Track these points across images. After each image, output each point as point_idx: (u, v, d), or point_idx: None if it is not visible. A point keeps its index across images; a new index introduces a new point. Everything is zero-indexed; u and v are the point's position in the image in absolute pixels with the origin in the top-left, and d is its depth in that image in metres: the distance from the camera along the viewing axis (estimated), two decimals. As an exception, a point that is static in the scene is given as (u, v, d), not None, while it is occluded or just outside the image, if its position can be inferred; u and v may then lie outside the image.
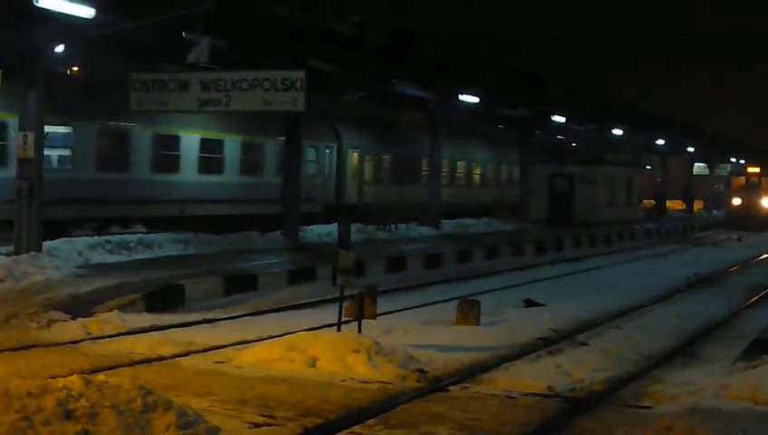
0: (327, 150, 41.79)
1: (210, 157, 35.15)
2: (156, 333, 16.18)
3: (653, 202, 74.31)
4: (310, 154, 39.99)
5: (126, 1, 22.09)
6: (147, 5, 22.16)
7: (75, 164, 29.73)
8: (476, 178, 56.40)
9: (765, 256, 41.32)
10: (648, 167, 79.03)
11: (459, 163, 53.33)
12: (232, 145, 36.16)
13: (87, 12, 20.95)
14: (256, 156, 37.68)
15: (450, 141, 45.63)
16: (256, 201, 36.67)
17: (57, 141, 28.47)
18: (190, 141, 34.25)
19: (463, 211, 47.58)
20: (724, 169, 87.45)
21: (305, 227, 33.20)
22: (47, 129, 23.39)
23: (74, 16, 20.95)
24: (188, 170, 34.16)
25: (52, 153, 28.25)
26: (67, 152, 29.59)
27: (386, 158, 46.47)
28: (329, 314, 17.44)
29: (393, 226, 38.51)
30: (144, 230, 29.97)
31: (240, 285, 21.93)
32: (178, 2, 22.28)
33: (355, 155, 43.70)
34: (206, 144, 34.91)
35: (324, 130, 41.27)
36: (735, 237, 53.85)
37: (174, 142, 33.65)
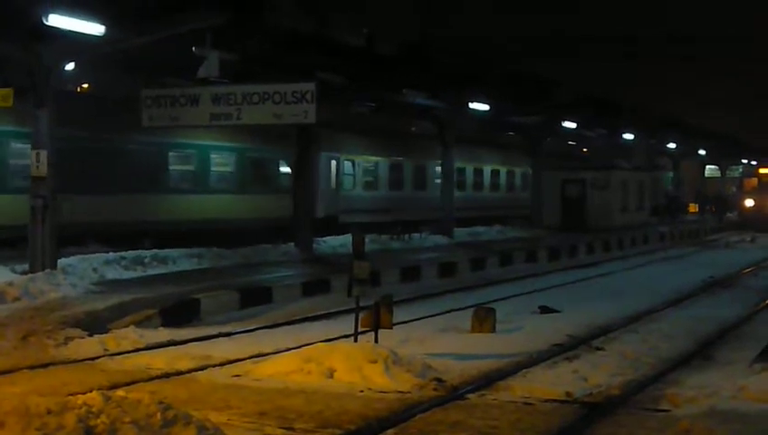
0: (527, 173, 55.56)
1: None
2: (173, 347, 16.23)
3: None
4: (518, 176, 58.25)
5: (135, 17, 22.13)
6: (156, 21, 22.22)
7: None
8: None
9: (779, 256, 41.22)
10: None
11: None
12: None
13: (97, 29, 21.03)
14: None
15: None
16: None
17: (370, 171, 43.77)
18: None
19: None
20: (736, 171, 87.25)
21: (318, 239, 33.26)
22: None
23: (84, 34, 21.04)
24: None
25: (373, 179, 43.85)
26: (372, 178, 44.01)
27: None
28: (344, 325, 17.46)
29: (407, 235, 38.55)
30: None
31: (255, 298, 21.96)
32: (188, 17, 22.34)
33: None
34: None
35: (524, 159, 54.95)
36: (749, 239, 53.72)
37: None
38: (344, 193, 41.45)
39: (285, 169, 37.05)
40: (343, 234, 35.08)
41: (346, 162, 41.78)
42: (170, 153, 32.59)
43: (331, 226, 37.95)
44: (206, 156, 33.76)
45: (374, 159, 44.26)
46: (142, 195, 31.17)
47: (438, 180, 46.31)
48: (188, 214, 32.54)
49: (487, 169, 55.39)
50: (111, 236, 28.76)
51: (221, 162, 34.77)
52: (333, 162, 40.68)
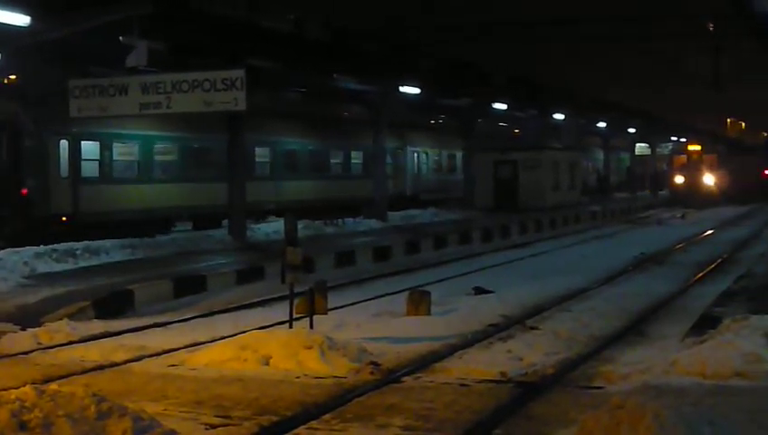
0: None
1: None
2: (107, 339, 16.11)
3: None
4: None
5: (62, 8, 21.89)
6: (83, 12, 21.99)
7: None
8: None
9: (709, 232, 41.86)
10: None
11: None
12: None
13: (22, 20, 20.77)
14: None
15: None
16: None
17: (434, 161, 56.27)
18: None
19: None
20: (666, 148, 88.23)
21: (252, 226, 33.14)
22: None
23: (9, 24, 20.76)
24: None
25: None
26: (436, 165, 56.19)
27: None
28: (280, 311, 17.46)
29: (340, 220, 38.53)
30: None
31: (189, 287, 21.85)
32: (115, 7, 22.13)
33: None
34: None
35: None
36: (679, 215, 54.36)
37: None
38: (422, 176, 53.96)
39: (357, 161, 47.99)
40: (422, 207, 47.40)
41: (422, 154, 54.26)
42: (306, 151, 43.61)
43: (416, 201, 50.26)
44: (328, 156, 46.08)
45: (438, 150, 56.60)
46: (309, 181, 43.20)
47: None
48: (314, 194, 43.04)
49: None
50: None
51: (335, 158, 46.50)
52: (415, 154, 53.11)
